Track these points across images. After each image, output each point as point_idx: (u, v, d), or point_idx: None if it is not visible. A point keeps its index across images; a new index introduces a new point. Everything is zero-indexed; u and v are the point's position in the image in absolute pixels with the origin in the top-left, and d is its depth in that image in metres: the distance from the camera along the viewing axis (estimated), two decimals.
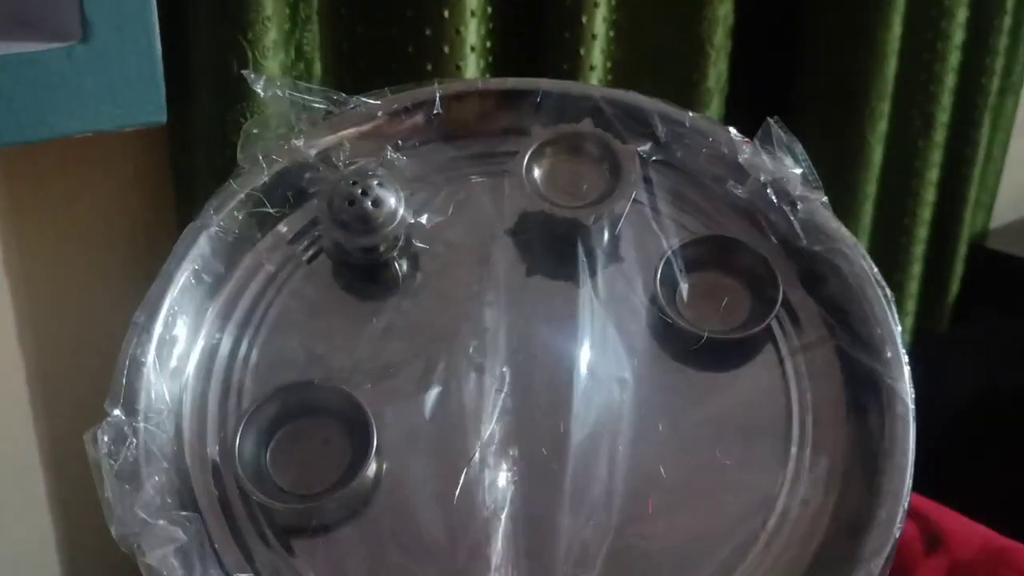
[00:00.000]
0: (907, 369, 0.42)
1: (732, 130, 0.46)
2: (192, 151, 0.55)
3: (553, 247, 0.46)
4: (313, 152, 0.45)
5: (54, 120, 0.48)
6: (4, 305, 0.55)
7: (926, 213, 0.85)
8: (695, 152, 0.47)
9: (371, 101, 0.47)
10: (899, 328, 0.43)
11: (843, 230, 0.44)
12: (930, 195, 0.84)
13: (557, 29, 0.62)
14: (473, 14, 0.58)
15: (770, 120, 0.45)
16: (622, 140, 0.46)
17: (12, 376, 0.56)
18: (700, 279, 0.45)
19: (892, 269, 0.85)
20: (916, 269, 0.86)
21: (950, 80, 0.82)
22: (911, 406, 0.41)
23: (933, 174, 0.84)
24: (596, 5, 0.63)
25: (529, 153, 0.46)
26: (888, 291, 0.43)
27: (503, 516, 0.41)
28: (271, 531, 0.41)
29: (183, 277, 0.43)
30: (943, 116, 0.83)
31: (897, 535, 0.40)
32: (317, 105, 0.46)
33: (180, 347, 0.43)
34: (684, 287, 0.45)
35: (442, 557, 0.41)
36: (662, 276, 0.44)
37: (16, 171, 0.53)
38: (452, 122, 0.48)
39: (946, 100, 0.82)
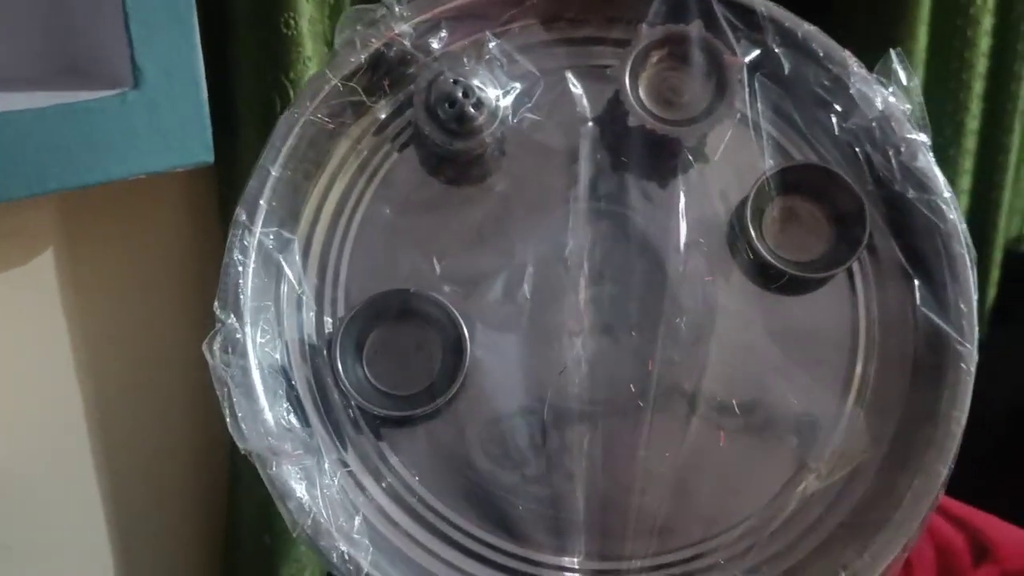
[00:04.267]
0: (976, 334, 0.42)
1: (848, 53, 0.44)
2: (239, 188, 0.57)
3: (645, 145, 0.44)
4: (409, 34, 0.44)
5: (108, 164, 0.50)
6: (62, 340, 0.57)
7: None
8: (804, 70, 0.44)
9: None
10: (976, 292, 0.42)
11: (941, 180, 0.43)
12: (962, 202, 0.84)
13: None
14: None
15: (893, 52, 0.43)
16: (731, 47, 0.43)
17: (71, 409, 0.58)
18: (789, 204, 0.44)
19: None
20: None
21: (979, 87, 0.82)
22: (973, 372, 0.41)
23: (965, 182, 0.84)
24: None
25: (632, 58, 0.43)
26: (974, 252, 0.42)
27: (585, 429, 0.42)
28: (363, 419, 0.43)
29: (279, 170, 0.43)
30: (973, 123, 0.83)
31: (938, 496, 0.40)
32: None
33: (279, 241, 0.43)
34: (773, 212, 0.44)
35: (522, 462, 0.42)
36: (753, 200, 0.43)
37: (72, 214, 0.55)
38: (553, 4, 0.45)
39: (975, 107, 0.82)
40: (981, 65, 0.81)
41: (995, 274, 0.91)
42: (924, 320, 0.42)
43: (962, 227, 0.42)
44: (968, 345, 0.41)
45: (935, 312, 0.42)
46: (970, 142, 0.83)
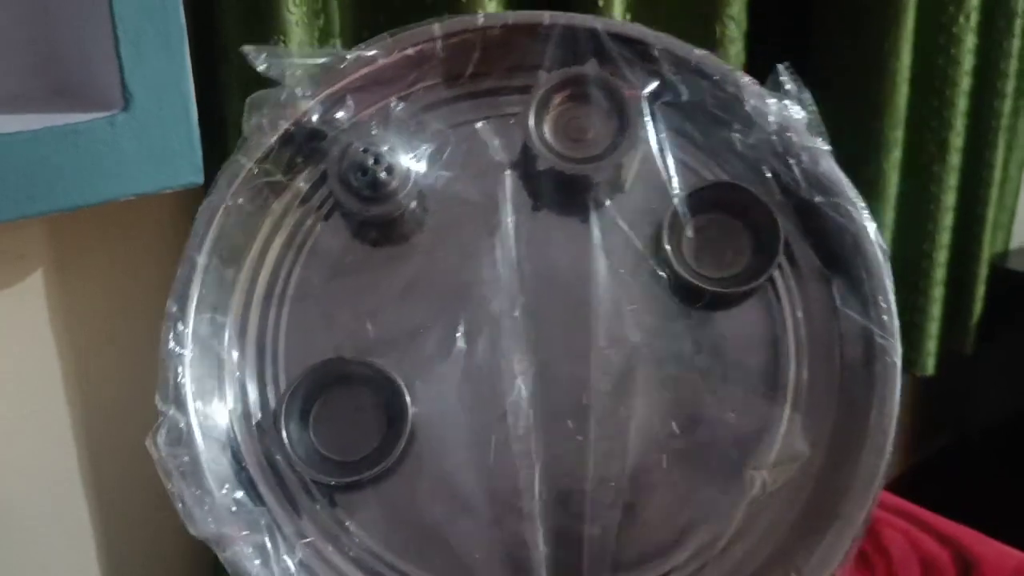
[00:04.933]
0: (897, 326, 0.43)
1: (739, 72, 0.45)
2: None
3: (559, 184, 0.45)
4: (316, 109, 0.44)
5: (98, 186, 0.50)
6: (52, 360, 0.57)
7: (945, 237, 0.85)
8: (700, 93, 0.45)
9: (369, 52, 0.45)
10: (892, 285, 0.43)
11: (845, 182, 0.44)
12: (948, 219, 0.85)
13: None
14: None
15: (779, 66, 0.45)
16: (627, 79, 0.45)
17: (61, 429, 0.58)
18: (703, 223, 0.45)
19: (914, 293, 0.85)
20: (938, 292, 0.86)
21: (962, 104, 0.83)
22: (899, 364, 0.42)
23: (950, 198, 0.85)
24: None
25: (535, 103, 0.45)
26: (885, 248, 0.43)
27: (532, 469, 0.43)
28: (316, 488, 0.44)
29: (205, 259, 0.44)
30: (957, 140, 0.84)
31: (879, 486, 0.41)
32: (319, 64, 0.45)
33: (213, 327, 0.44)
34: (688, 234, 0.45)
35: (475, 510, 0.43)
36: (669, 224, 0.44)
37: (62, 234, 0.55)
38: (454, 63, 0.46)
39: (960, 124, 0.83)
40: (965, 83, 0.82)
41: (981, 289, 0.91)
42: (847, 319, 0.43)
43: (871, 225, 0.43)
44: (890, 339, 0.42)
45: (856, 310, 0.43)
46: (955, 159, 0.84)
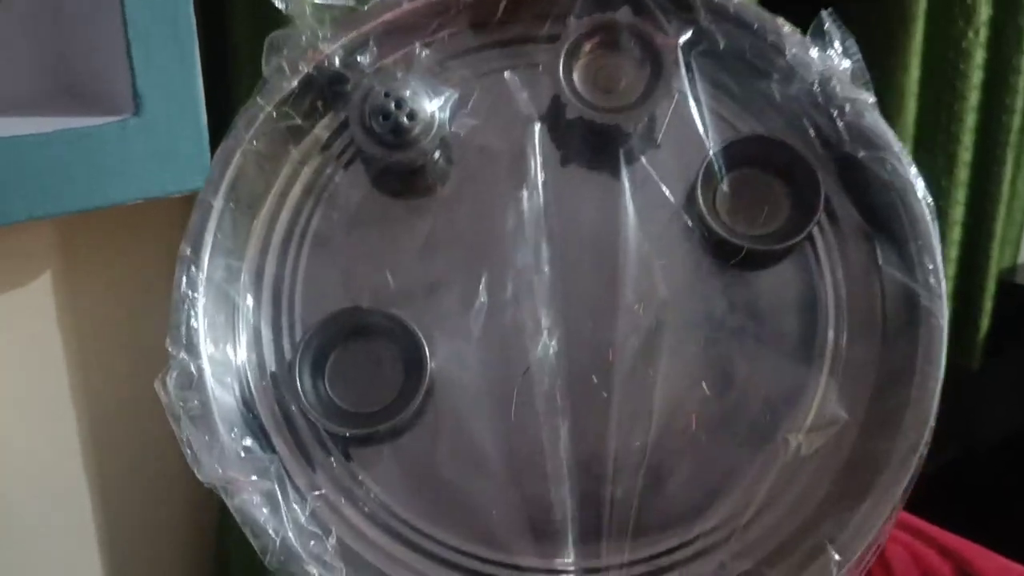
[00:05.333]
0: (944, 288, 0.41)
1: (780, 20, 0.43)
2: None
3: (589, 136, 0.44)
4: (338, 53, 0.43)
5: (108, 189, 0.51)
6: (59, 362, 0.57)
7: (953, 251, 0.85)
8: (739, 42, 0.43)
9: None
10: (939, 245, 0.41)
11: (890, 135, 0.42)
12: (956, 234, 0.85)
13: None
14: None
15: (823, 12, 0.43)
16: (662, 28, 0.43)
17: (67, 430, 0.58)
18: (739, 178, 0.43)
19: None
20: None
21: (971, 119, 0.83)
22: (945, 327, 0.40)
23: (958, 212, 0.85)
24: None
25: (564, 50, 0.43)
26: (931, 203, 0.41)
27: (556, 428, 0.41)
28: (331, 441, 0.43)
29: (221, 202, 0.43)
30: (965, 155, 0.84)
31: (921, 456, 0.39)
32: (341, 6, 0.44)
33: (229, 273, 0.43)
34: (724, 189, 0.43)
35: (495, 469, 0.42)
36: (703, 178, 0.42)
37: (71, 237, 0.56)
38: (481, 9, 0.44)
39: (968, 139, 0.83)
40: (973, 98, 0.82)
41: (988, 304, 0.91)
42: (890, 280, 0.41)
43: (919, 181, 0.41)
44: (937, 300, 0.40)
45: (899, 270, 0.41)
46: (963, 173, 0.84)
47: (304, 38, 0.43)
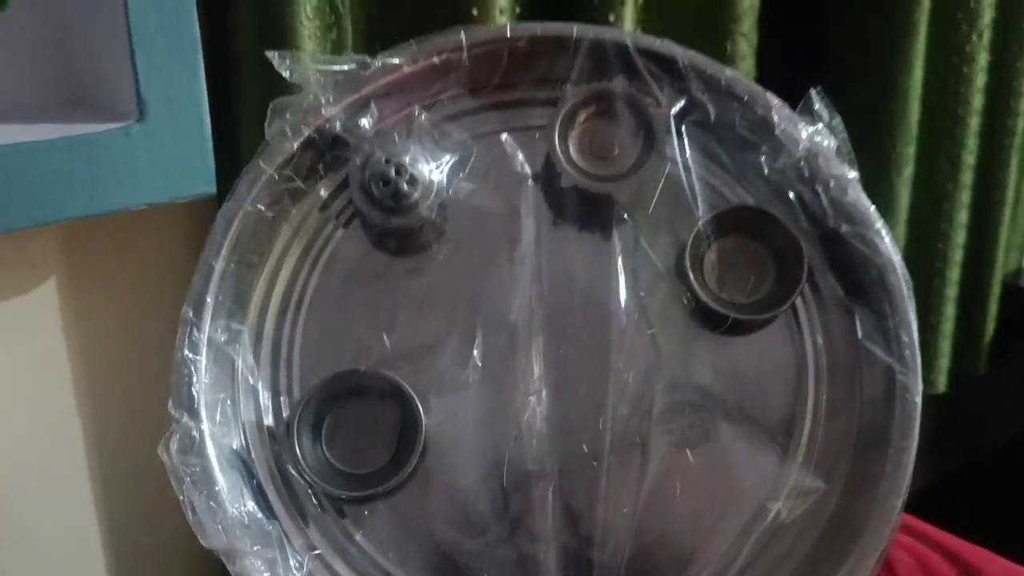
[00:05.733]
0: (919, 363, 0.42)
1: (770, 95, 0.44)
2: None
3: (583, 199, 0.44)
4: (339, 117, 0.44)
5: (112, 195, 0.51)
6: (63, 368, 0.57)
7: (957, 255, 0.85)
8: (730, 114, 0.44)
9: (393, 59, 0.45)
10: (915, 320, 0.42)
11: (872, 212, 0.43)
12: (960, 237, 0.85)
13: None
14: None
15: (813, 91, 0.44)
16: (655, 97, 0.44)
17: (71, 437, 0.59)
18: (727, 246, 0.44)
19: (925, 311, 0.85)
20: (950, 311, 0.86)
21: (975, 123, 0.83)
22: (919, 403, 0.41)
23: (963, 216, 0.85)
24: None
25: (560, 118, 0.44)
26: (910, 281, 0.42)
27: (544, 489, 0.42)
28: (326, 500, 0.44)
29: (223, 264, 0.44)
30: (970, 159, 0.83)
31: (890, 536, 0.40)
32: (343, 71, 0.44)
33: (229, 334, 0.44)
34: (711, 256, 0.44)
35: (486, 528, 0.43)
36: (692, 245, 0.43)
37: (75, 243, 0.56)
38: (479, 73, 0.45)
39: (972, 143, 0.83)
40: (977, 101, 0.82)
41: (993, 308, 0.91)
42: (868, 353, 0.43)
43: (897, 258, 0.42)
44: (912, 375, 0.42)
45: (878, 344, 0.42)
46: (967, 177, 0.84)
47: (306, 102, 0.44)
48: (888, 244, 0.43)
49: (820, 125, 0.44)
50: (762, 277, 0.44)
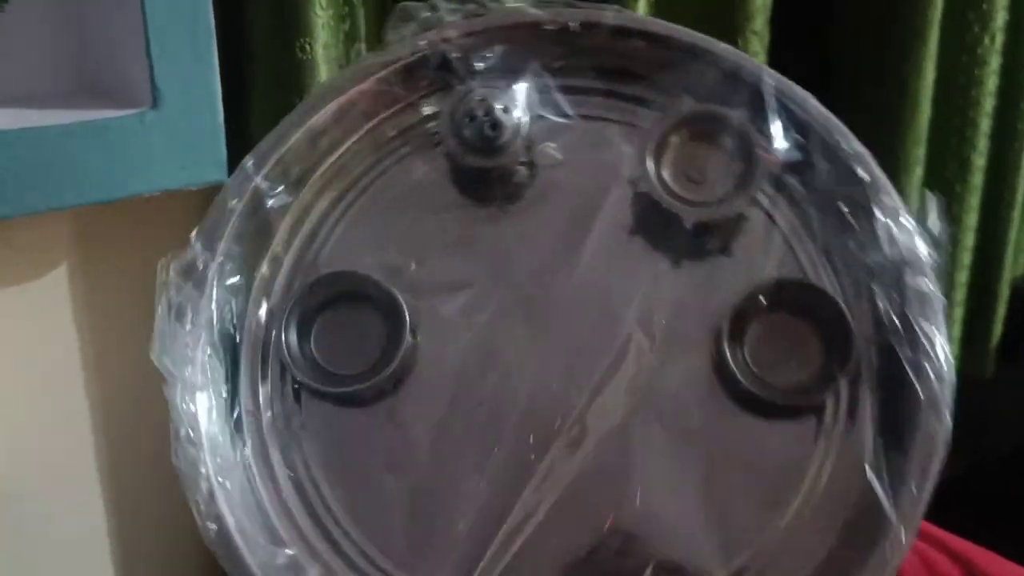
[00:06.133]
0: (920, 519, 0.39)
1: (888, 184, 0.41)
2: None
3: (655, 214, 0.43)
4: (459, 48, 0.44)
5: (125, 181, 0.51)
6: (74, 352, 0.58)
7: (966, 258, 0.85)
8: (838, 185, 0.42)
9: (536, 11, 0.43)
10: (935, 476, 0.39)
11: (940, 344, 0.39)
12: (969, 240, 0.84)
13: None
14: None
15: (932, 196, 0.40)
16: (768, 139, 0.41)
17: (82, 422, 0.59)
18: (777, 318, 0.41)
19: None
20: (957, 313, 0.86)
21: (985, 125, 0.83)
22: (898, 561, 0.38)
23: (972, 218, 0.84)
24: None
25: (667, 125, 0.42)
26: (949, 426, 0.39)
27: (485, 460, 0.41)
28: (292, 394, 0.44)
29: (300, 133, 0.44)
30: (980, 160, 0.83)
31: None
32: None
33: (278, 202, 0.44)
34: (757, 325, 0.41)
35: (411, 475, 0.41)
36: (742, 302, 0.41)
37: (88, 228, 0.56)
38: (611, 55, 0.44)
39: (982, 144, 0.83)
40: (988, 104, 0.82)
41: (1001, 311, 0.91)
42: (869, 486, 0.40)
43: (946, 400, 0.39)
44: (904, 529, 0.38)
45: (885, 482, 0.39)
46: (977, 179, 0.83)
47: (433, 16, 0.44)
48: (946, 384, 0.39)
49: (926, 233, 0.40)
50: (804, 366, 0.41)
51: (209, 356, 0.42)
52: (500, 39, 0.44)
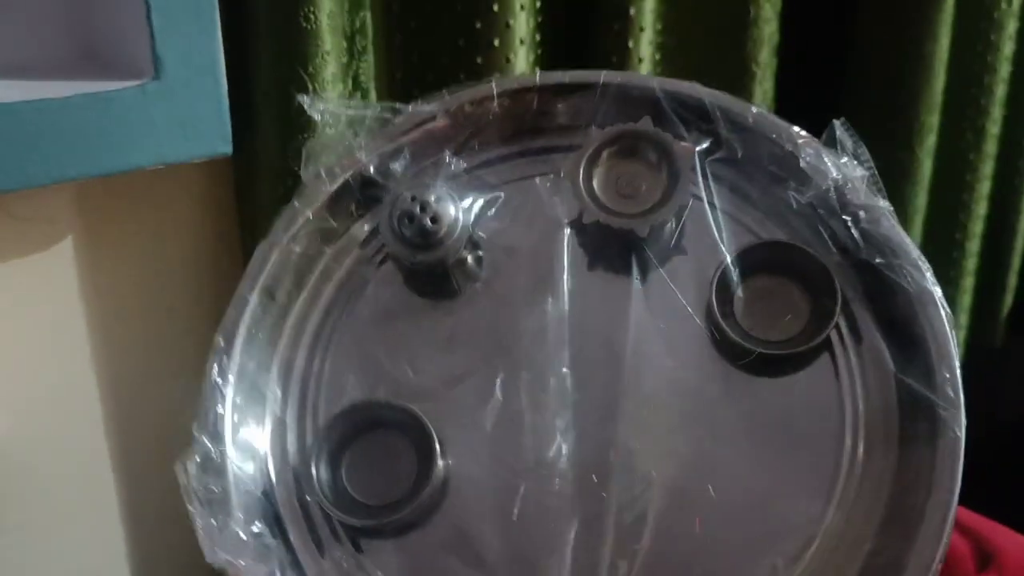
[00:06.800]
0: (962, 398, 0.40)
1: (796, 129, 0.44)
2: (256, 180, 0.58)
3: (610, 240, 0.45)
4: (373, 162, 0.46)
5: (128, 153, 0.51)
6: (79, 325, 0.58)
7: (978, 227, 0.84)
8: (757, 150, 0.44)
9: (427, 107, 0.46)
10: (957, 354, 0.40)
11: (907, 243, 0.42)
12: (982, 208, 0.83)
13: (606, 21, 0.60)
14: (522, 7, 0.57)
15: (836, 122, 0.43)
16: (681, 137, 0.44)
17: (86, 395, 0.59)
18: (757, 284, 0.44)
19: (945, 283, 0.84)
20: (969, 283, 0.85)
21: (1001, 91, 0.81)
22: (963, 437, 0.40)
23: (985, 187, 0.83)
24: None
25: (585, 158, 0.45)
26: (950, 313, 0.41)
27: (556, 525, 0.42)
28: (343, 532, 0.44)
29: (256, 298, 0.45)
30: (994, 128, 0.82)
31: (936, 572, 0.38)
32: (375, 117, 0.47)
33: (260, 365, 0.45)
34: (740, 295, 0.43)
35: (499, 569, 0.42)
36: (718, 283, 0.43)
37: (91, 201, 0.56)
38: (510, 119, 0.47)
39: (997, 112, 0.82)
40: (1004, 70, 0.81)
41: (1013, 281, 0.90)
42: (907, 390, 0.41)
43: (937, 290, 0.41)
44: (954, 411, 0.40)
45: (918, 380, 0.40)
46: (991, 146, 0.82)
47: (342, 147, 0.46)
48: (926, 274, 0.41)
49: (846, 158, 0.43)
50: (794, 314, 0.43)
51: (258, 533, 0.42)
52: (409, 142, 0.47)
